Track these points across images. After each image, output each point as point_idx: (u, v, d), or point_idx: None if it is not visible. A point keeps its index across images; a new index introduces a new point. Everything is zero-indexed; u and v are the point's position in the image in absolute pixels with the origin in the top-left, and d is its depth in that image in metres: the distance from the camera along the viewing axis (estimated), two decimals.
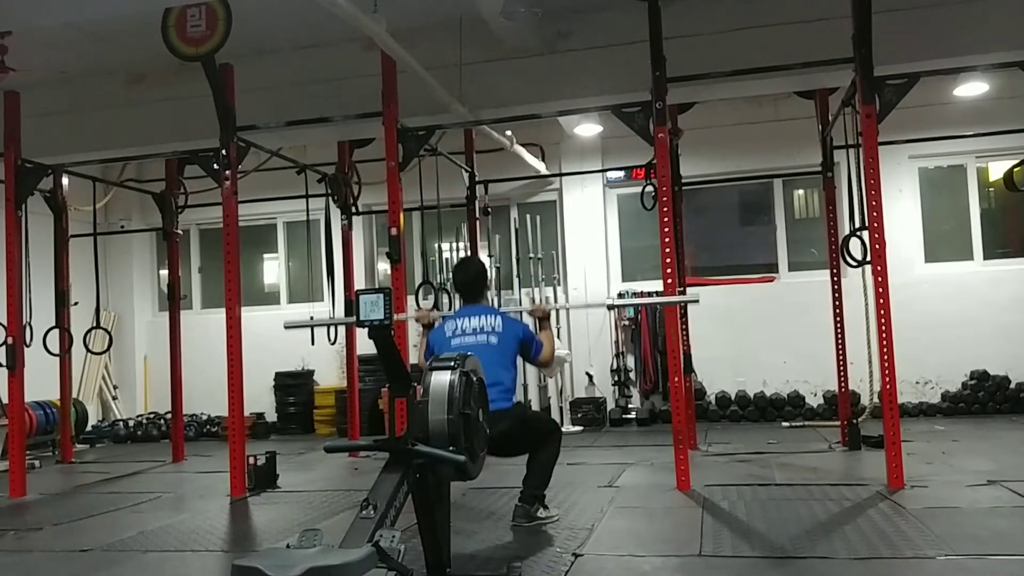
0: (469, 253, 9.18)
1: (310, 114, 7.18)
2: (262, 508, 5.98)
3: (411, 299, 7.53)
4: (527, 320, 5.80)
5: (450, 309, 8.07)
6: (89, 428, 10.56)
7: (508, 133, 8.90)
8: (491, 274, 9.63)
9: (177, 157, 8.14)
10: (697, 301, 5.68)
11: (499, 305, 9.52)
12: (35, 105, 7.38)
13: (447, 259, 10.37)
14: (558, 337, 10.10)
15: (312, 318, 7.82)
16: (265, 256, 12.06)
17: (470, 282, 5.01)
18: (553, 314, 10.23)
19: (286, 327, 6.01)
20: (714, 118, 9.32)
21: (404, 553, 2.78)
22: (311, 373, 11.09)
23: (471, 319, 4.81)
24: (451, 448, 3.25)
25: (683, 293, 7.80)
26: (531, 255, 10.30)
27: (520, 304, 10.08)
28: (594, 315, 10.44)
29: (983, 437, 7.79)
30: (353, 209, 8.71)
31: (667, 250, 5.89)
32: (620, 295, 10.40)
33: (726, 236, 10.78)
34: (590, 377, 10.42)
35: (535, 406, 9.85)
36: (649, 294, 10.20)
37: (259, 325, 9.47)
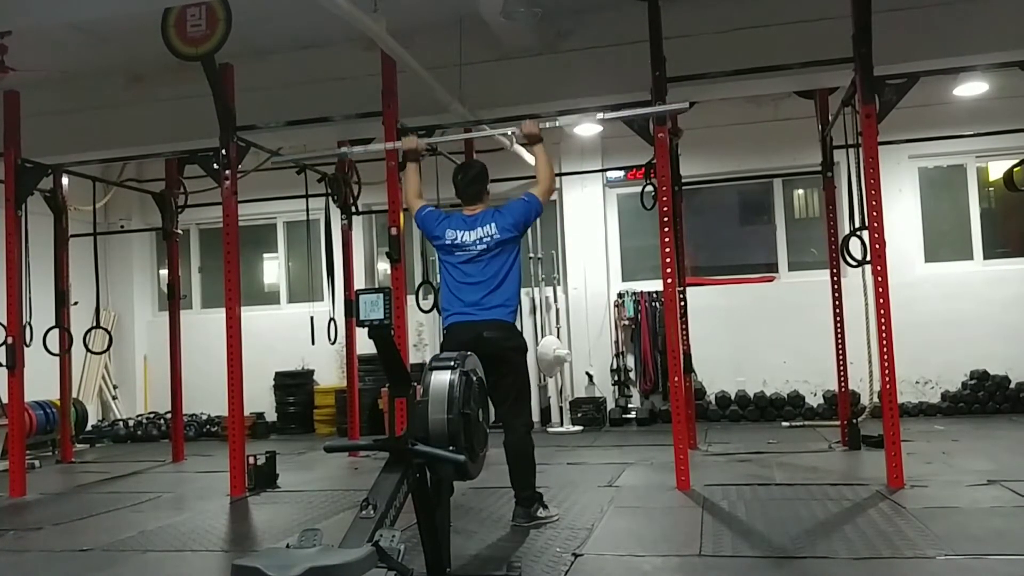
0: None
1: (310, 114, 7.18)
2: (262, 508, 5.98)
3: (411, 299, 7.52)
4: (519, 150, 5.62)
5: None
6: (89, 428, 10.56)
7: (509, 131, 8.89)
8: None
9: (177, 157, 8.13)
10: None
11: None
12: (35, 105, 7.38)
13: None
14: (557, 337, 10.11)
15: (312, 326, 7.80)
16: (265, 256, 12.05)
17: (470, 182, 4.97)
18: (553, 317, 10.28)
19: None
20: (714, 118, 9.32)
21: (404, 553, 2.78)
22: (311, 373, 11.10)
23: (471, 231, 4.81)
24: (451, 448, 3.26)
25: (683, 293, 7.83)
26: (531, 255, 10.30)
27: (522, 315, 10.07)
28: (594, 315, 10.44)
29: (983, 437, 7.79)
30: (353, 209, 8.71)
31: (667, 250, 5.89)
32: (620, 295, 10.41)
33: (726, 236, 10.78)
34: (590, 377, 10.43)
35: (535, 406, 9.84)
36: (649, 294, 10.23)
37: (259, 325, 9.51)
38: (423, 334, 10.55)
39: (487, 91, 7.05)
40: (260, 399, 10.69)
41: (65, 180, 8.44)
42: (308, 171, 8.33)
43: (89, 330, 8.61)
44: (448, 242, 4.84)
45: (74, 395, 9.58)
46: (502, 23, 6.56)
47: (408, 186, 5.15)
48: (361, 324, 3.23)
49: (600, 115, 5.59)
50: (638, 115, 5.90)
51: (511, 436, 4.78)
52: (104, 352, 9.76)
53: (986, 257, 9.90)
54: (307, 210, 8.38)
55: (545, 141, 5.07)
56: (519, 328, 4.96)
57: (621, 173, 10.18)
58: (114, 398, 11.70)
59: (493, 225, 4.81)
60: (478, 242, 4.79)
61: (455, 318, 4.78)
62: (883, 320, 5.52)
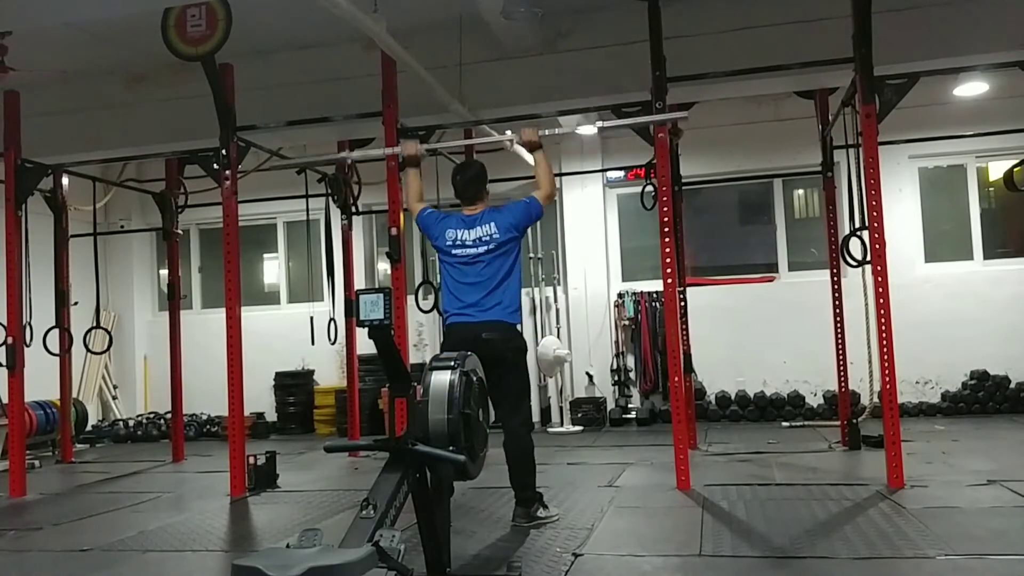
0: None
1: (310, 114, 7.18)
2: (262, 508, 5.98)
3: (411, 299, 7.52)
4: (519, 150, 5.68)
5: None
6: (89, 428, 10.56)
7: (508, 133, 8.88)
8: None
9: (177, 157, 8.13)
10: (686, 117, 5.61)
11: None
12: (35, 105, 7.38)
13: None
14: (557, 337, 10.11)
15: (312, 326, 7.80)
16: (265, 256, 12.05)
17: (468, 182, 4.97)
18: (553, 318, 10.28)
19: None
20: (714, 118, 9.32)
21: (404, 553, 2.78)
22: (311, 373, 11.09)
23: (471, 230, 4.81)
24: (451, 448, 3.26)
25: (683, 293, 7.83)
26: (531, 255, 10.30)
27: (522, 315, 10.07)
28: (594, 315, 10.44)
29: (983, 437, 7.79)
30: (353, 209, 8.71)
31: (667, 250, 5.89)
32: (620, 295, 10.41)
33: (726, 236, 10.78)
34: (590, 377, 10.43)
35: (535, 407, 9.85)
36: (649, 294, 10.23)
37: (259, 325, 9.50)
38: (423, 334, 10.55)
39: (487, 91, 7.05)
40: (260, 399, 10.70)
41: (65, 180, 8.44)
42: (308, 171, 8.33)
43: (89, 330, 8.61)
44: (448, 242, 4.84)
45: (74, 395, 9.58)
46: (502, 23, 6.56)
47: (409, 189, 5.16)
48: (361, 324, 3.23)
49: (599, 123, 5.57)
50: (638, 123, 5.89)
51: (511, 436, 4.78)
52: (104, 352, 9.76)
53: (986, 257, 9.90)
54: (307, 210, 8.38)
55: (546, 141, 5.08)
56: (520, 328, 4.95)
57: (621, 173, 10.18)
58: (114, 398, 11.70)
59: (493, 225, 4.81)
60: (478, 242, 4.79)
61: (455, 318, 4.78)
62: (883, 320, 5.52)
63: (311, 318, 7.85)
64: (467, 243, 4.80)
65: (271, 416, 11.02)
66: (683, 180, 8.05)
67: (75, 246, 8.81)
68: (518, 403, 4.84)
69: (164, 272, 10.70)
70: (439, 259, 5.01)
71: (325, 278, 8.39)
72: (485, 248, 4.77)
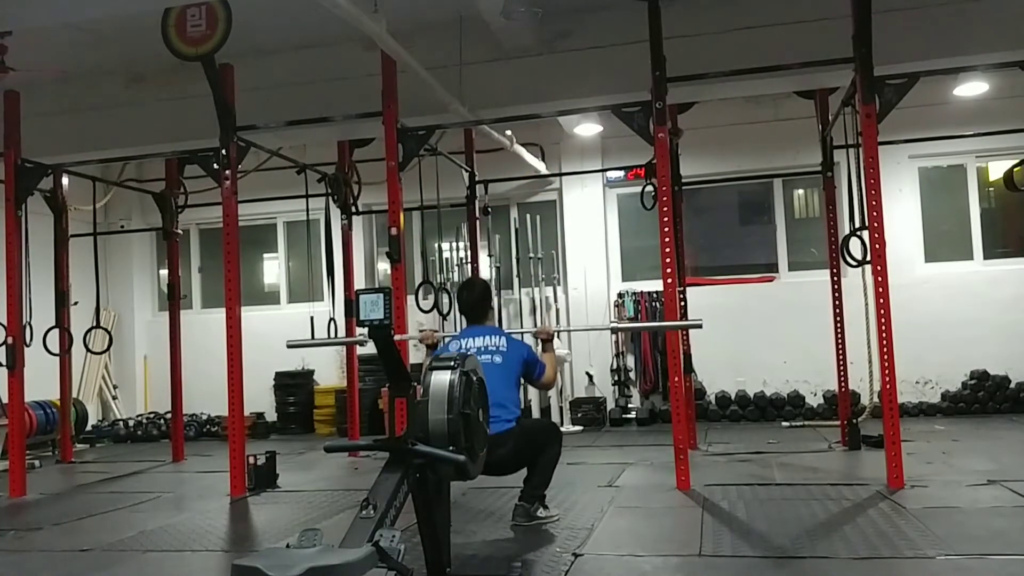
0: (469, 253, 9.19)
1: (310, 114, 7.18)
2: (262, 508, 5.98)
3: (411, 299, 7.52)
4: (529, 340, 5.79)
5: (449, 311, 8.08)
6: (89, 428, 10.56)
7: (508, 133, 8.90)
8: (491, 274, 9.65)
9: (177, 157, 8.13)
10: (700, 326, 5.51)
11: (500, 310, 9.56)
12: (35, 105, 7.39)
13: (447, 259, 10.38)
14: (558, 338, 10.11)
15: (312, 326, 7.79)
16: (265, 256, 12.05)
17: (475, 303, 5.01)
18: (553, 318, 10.28)
19: (289, 346, 6.24)
20: (714, 118, 9.32)
21: (404, 553, 2.78)
22: (311, 373, 11.09)
23: (476, 339, 4.82)
24: (451, 448, 3.26)
25: (683, 293, 7.83)
26: (531, 255, 10.30)
27: (522, 314, 10.09)
28: (594, 315, 10.43)
29: (983, 437, 7.79)
30: (353, 209, 8.71)
31: (667, 250, 5.89)
32: (620, 295, 10.41)
33: (726, 236, 10.78)
34: (590, 377, 10.42)
35: (535, 406, 9.85)
36: (649, 294, 10.22)
37: (259, 325, 9.49)
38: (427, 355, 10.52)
39: (487, 91, 7.06)
40: (260, 399, 10.69)
41: (65, 180, 8.44)
42: (308, 171, 8.34)
43: (89, 330, 8.60)
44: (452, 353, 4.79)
45: (74, 395, 9.58)
46: (502, 23, 6.57)
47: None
48: (361, 324, 3.23)
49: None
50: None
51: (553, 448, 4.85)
52: (104, 352, 9.76)
53: (986, 257, 9.90)
54: (307, 210, 8.38)
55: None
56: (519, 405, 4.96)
57: (621, 173, 10.18)
58: (114, 398, 11.70)
59: (504, 340, 4.83)
60: (482, 350, 4.74)
61: None
62: (883, 320, 5.52)
63: (311, 318, 7.84)
64: (471, 351, 4.70)
65: (271, 416, 11.02)
66: (683, 180, 8.05)
67: (75, 246, 8.81)
68: (548, 440, 4.88)
69: (164, 272, 10.70)
70: None
71: (325, 278, 8.39)
72: (489, 358, 4.71)
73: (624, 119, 6.17)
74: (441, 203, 8.31)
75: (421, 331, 5.46)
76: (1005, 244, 10.04)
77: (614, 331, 10.10)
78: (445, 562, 3.42)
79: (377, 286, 9.88)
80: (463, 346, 4.80)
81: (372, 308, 3.21)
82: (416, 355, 8.11)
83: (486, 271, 9.63)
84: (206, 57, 6.15)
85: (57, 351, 8.26)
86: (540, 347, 5.14)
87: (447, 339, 5.12)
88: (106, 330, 8.96)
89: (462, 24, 6.94)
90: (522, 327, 10.00)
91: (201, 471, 7.84)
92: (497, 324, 4.91)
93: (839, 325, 7.45)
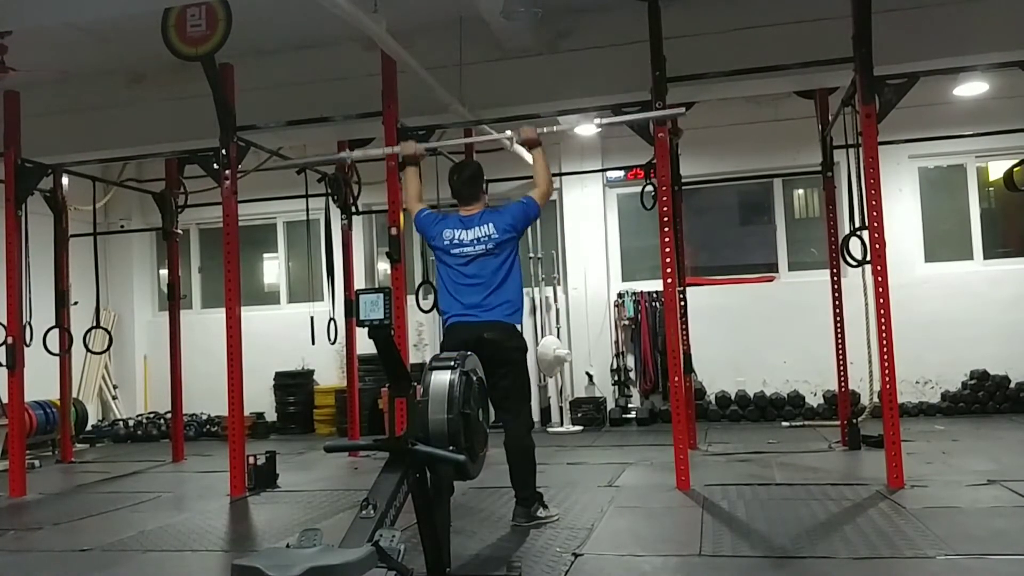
0: None
1: (310, 114, 7.18)
2: (262, 508, 5.98)
3: (411, 299, 7.52)
4: (519, 149, 5.74)
5: None
6: (89, 428, 10.56)
7: (508, 133, 8.88)
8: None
9: (177, 157, 8.12)
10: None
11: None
12: (35, 105, 7.38)
13: None
14: (557, 337, 10.11)
15: (312, 326, 7.79)
16: (265, 256, 12.05)
17: (465, 182, 4.99)
18: (553, 318, 10.26)
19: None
20: (714, 118, 9.31)
21: (404, 553, 2.78)
22: (311, 373, 11.09)
23: (469, 231, 4.82)
24: (451, 448, 3.26)
25: (683, 293, 7.83)
26: (531, 255, 10.30)
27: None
28: (594, 315, 10.44)
29: (983, 437, 7.79)
30: (353, 209, 8.71)
31: (667, 250, 5.89)
32: (620, 295, 10.41)
33: (726, 236, 10.77)
34: (590, 377, 10.42)
35: (535, 406, 9.84)
36: (649, 294, 10.23)
37: (259, 325, 9.50)
38: (423, 334, 10.54)
39: (487, 91, 7.05)
40: (260, 399, 10.69)
41: (65, 180, 8.44)
42: (308, 171, 8.33)
43: (89, 330, 8.60)
44: (446, 242, 4.85)
45: (74, 395, 9.58)
46: (502, 23, 6.56)
47: (408, 189, 5.16)
48: (361, 324, 3.23)
49: (597, 120, 5.60)
50: (636, 119, 5.90)
51: (512, 436, 4.79)
52: (104, 352, 9.76)
53: (986, 257, 9.90)
54: (307, 210, 8.38)
55: (545, 142, 5.09)
56: (520, 329, 4.95)
57: (621, 173, 10.18)
58: (114, 398, 11.70)
59: (491, 225, 4.81)
60: (476, 242, 4.79)
61: (456, 319, 4.78)
62: (883, 320, 5.52)
63: (311, 318, 7.84)
64: (465, 243, 4.80)
65: (271, 416, 11.02)
66: (683, 180, 8.05)
67: (75, 246, 8.82)
68: (519, 404, 4.85)
69: (164, 272, 10.70)
70: (436, 259, 5.01)
71: (325, 278, 8.39)
72: (484, 248, 4.77)
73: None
74: (441, 203, 8.30)
75: (404, 143, 5.43)
76: (1005, 244, 10.04)
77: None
78: (445, 562, 3.42)
79: (377, 286, 9.89)
80: (456, 237, 4.81)
81: (372, 308, 3.21)
82: (416, 355, 8.12)
83: None
84: (206, 57, 6.15)
85: (57, 351, 8.25)
86: (527, 152, 5.11)
87: (439, 216, 5.00)
88: (106, 330, 8.96)
89: (462, 24, 6.94)
90: (521, 327, 9.98)
91: (201, 471, 7.84)
92: (487, 206, 4.88)
93: (839, 325, 7.45)
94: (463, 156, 8.52)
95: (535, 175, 5.01)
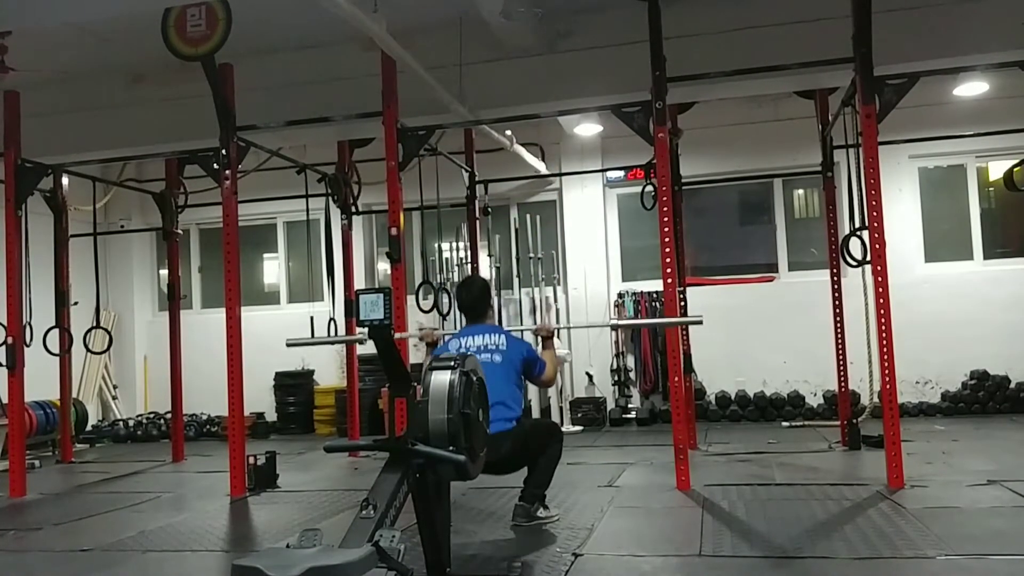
0: (469, 253, 9.18)
1: (310, 114, 7.18)
2: (262, 508, 5.98)
3: (411, 299, 7.52)
4: (529, 338, 5.78)
5: (449, 310, 8.08)
6: (89, 428, 10.56)
7: (508, 133, 8.90)
8: (491, 274, 9.65)
9: (177, 157, 8.13)
10: (701, 322, 5.62)
11: (500, 310, 9.55)
12: (35, 105, 7.38)
13: (447, 259, 10.37)
14: (558, 337, 10.10)
15: (312, 326, 7.78)
16: (265, 256, 12.05)
17: (474, 302, 5.00)
18: (553, 318, 10.28)
19: (288, 345, 6.19)
20: (714, 118, 9.32)
21: (404, 553, 2.78)
22: (311, 373, 11.09)
23: (475, 337, 4.81)
24: (451, 448, 3.26)
25: (683, 293, 7.83)
26: (531, 255, 10.29)
27: (522, 314, 10.10)
28: (594, 315, 10.42)
29: (983, 437, 7.79)
30: (353, 209, 8.71)
31: (667, 250, 5.89)
32: (620, 295, 10.41)
33: (726, 236, 10.77)
34: (590, 377, 10.43)
35: (535, 406, 9.85)
36: (649, 294, 10.23)
37: (259, 325, 9.48)
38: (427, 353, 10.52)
39: (487, 91, 7.05)
40: (260, 399, 10.69)
41: (65, 180, 8.43)
42: (308, 171, 8.34)
43: (89, 330, 8.60)
44: (452, 351, 4.71)
45: (74, 395, 9.57)
46: (502, 23, 6.56)
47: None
48: (361, 324, 3.23)
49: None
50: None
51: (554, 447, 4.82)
52: (104, 352, 9.76)
53: (986, 257, 9.90)
54: (307, 210, 8.38)
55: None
56: (521, 404, 4.92)
57: (621, 173, 10.18)
58: (114, 398, 11.70)
59: (503, 338, 4.80)
60: (483, 348, 4.72)
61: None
62: (883, 320, 5.52)
63: (311, 318, 7.84)
64: (471, 349, 4.69)
65: (271, 416, 11.02)
66: (683, 180, 8.06)
67: (75, 246, 8.81)
68: (550, 439, 4.85)
69: (164, 272, 10.70)
70: None
71: (325, 278, 8.39)
72: (490, 355, 4.70)
73: (624, 119, 6.17)
74: (441, 203, 8.31)
75: (421, 330, 5.45)
76: (1005, 244, 10.04)
77: (614, 328, 10.11)
78: (445, 562, 3.42)
79: (377, 286, 9.90)
80: (463, 345, 4.78)
81: (372, 308, 3.21)
82: (416, 355, 8.11)
83: (486, 271, 9.63)
84: (206, 57, 6.15)
85: (57, 351, 8.26)
86: (540, 345, 5.14)
87: (447, 337, 5.11)
88: (106, 330, 8.96)
89: (462, 24, 6.93)
90: (522, 327, 9.99)
91: (201, 471, 7.84)
92: (497, 323, 4.86)
93: (839, 325, 7.45)
94: (463, 156, 8.56)
95: (547, 365, 4.97)
